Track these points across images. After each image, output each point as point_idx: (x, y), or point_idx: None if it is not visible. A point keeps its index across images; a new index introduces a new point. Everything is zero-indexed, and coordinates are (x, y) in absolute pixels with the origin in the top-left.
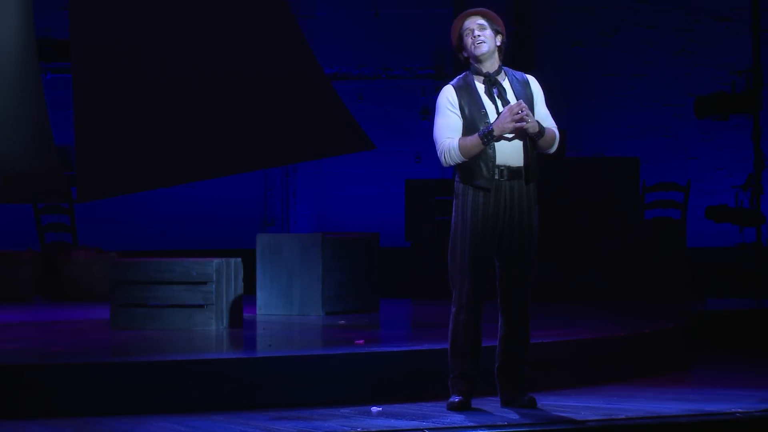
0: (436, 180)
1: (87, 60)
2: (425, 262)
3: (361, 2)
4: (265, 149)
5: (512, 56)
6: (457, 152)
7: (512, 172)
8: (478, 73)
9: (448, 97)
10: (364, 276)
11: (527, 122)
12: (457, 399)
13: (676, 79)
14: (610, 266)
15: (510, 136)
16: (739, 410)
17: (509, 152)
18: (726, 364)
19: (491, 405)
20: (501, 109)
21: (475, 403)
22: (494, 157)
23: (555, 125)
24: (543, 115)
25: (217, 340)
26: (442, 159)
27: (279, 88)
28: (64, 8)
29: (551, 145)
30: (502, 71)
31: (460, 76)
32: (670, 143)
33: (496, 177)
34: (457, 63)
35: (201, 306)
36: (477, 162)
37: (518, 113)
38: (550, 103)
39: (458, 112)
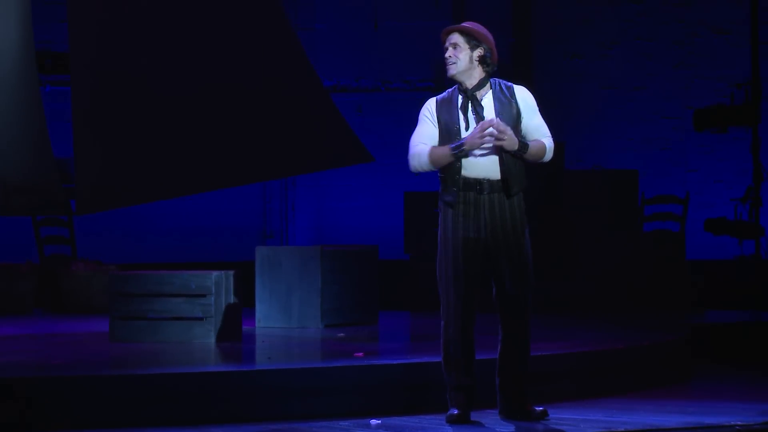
0: (435, 192)
1: (86, 73)
2: (424, 274)
3: (361, 14)
4: (265, 162)
5: (511, 68)
6: (426, 159)
7: (492, 185)
8: (460, 87)
9: (428, 107)
10: (363, 288)
11: (502, 140)
12: (455, 412)
13: (676, 91)
14: (609, 279)
15: (485, 151)
16: (739, 423)
17: (488, 165)
18: (725, 376)
19: (491, 418)
20: (470, 126)
21: (475, 416)
22: (459, 171)
23: (548, 135)
24: (533, 126)
25: (216, 352)
26: (411, 164)
27: (278, 101)
28: (63, 21)
29: (539, 158)
30: (487, 84)
31: (450, 89)
32: (669, 156)
33: (462, 190)
34: None
35: (200, 319)
36: (445, 176)
37: (488, 129)
38: (548, 115)
39: (435, 123)
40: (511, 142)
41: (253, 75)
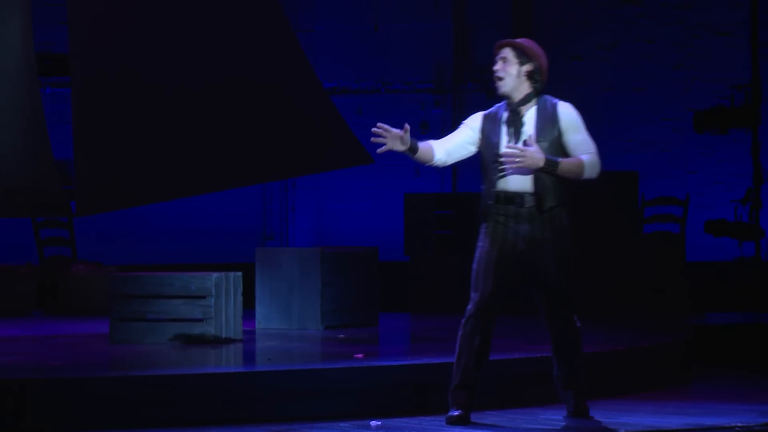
0: (435, 194)
1: (86, 74)
2: (424, 276)
3: (361, 16)
4: (265, 163)
5: None
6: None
7: (530, 198)
8: (507, 102)
9: (474, 117)
10: (363, 290)
11: (518, 162)
12: (456, 413)
13: (675, 93)
14: (609, 280)
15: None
16: (739, 424)
17: (524, 179)
18: (725, 378)
19: (491, 419)
20: (512, 139)
21: (474, 416)
22: (496, 184)
23: (590, 151)
24: (574, 142)
25: (216, 354)
26: None
27: (278, 103)
28: (63, 23)
29: (577, 175)
30: (533, 100)
31: (498, 104)
32: (669, 157)
33: (503, 204)
34: (457, 78)
35: (200, 320)
36: (485, 188)
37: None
38: None
39: (470, 130)
40: (531, 161)
41: (253, 77)
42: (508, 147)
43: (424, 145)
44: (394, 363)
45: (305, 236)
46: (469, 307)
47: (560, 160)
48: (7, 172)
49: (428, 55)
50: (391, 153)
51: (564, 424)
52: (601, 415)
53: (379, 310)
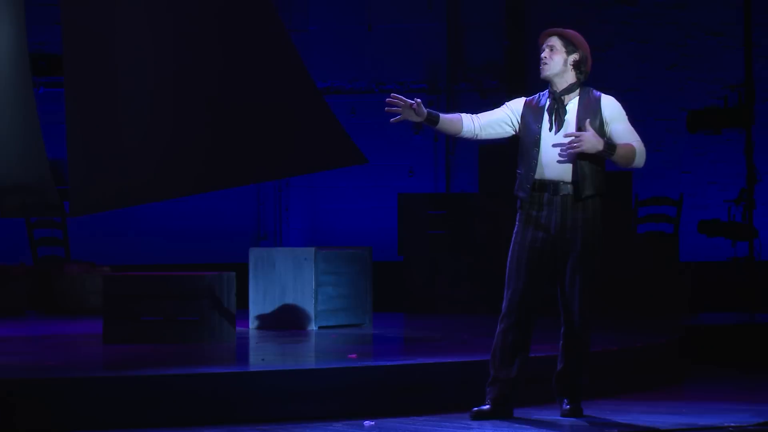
0: (429, 194)
1: (80, 74)
2: (418, 276)
3: (354, 16)
4: (258, 163)
5: (505, 70)
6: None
7: (567, 186)
8: (550, 90)
9: (516, 101)
10: (357, 290)
11: (576, 146)
12: (481, 407)
13: (669, 93)
14: (603, 280)
15: (564, 155)
16: (732, 424)
17: (564, 167)
18: (719, 377)
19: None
20: (553, 127)
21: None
22: (534, 171)
23: (637, 139)
24: (620, 130)
25: (210, 354)
26: None
27: (271, 103)
28: (57, 23)
29: (630, 161)
30: (576, 90)
31: (543, 92)
32: (663, 157)
33: (537, 191)
34: (451, 78)
35: (193, 320)
36: (521, 175)
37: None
38: None
39: (512, 113)
40: (590, 144)
41: (246, 77)
42: (566, 134)
43: (450, 117)
44: (388, 363)
45: (299, 236)
46: (503, 305)
47: (617, 143)
48: (0, 171)
49: (422, 56)
50: (385, 153)
51: (558, 423)
52: (594, 414)
53: (373, 310)
